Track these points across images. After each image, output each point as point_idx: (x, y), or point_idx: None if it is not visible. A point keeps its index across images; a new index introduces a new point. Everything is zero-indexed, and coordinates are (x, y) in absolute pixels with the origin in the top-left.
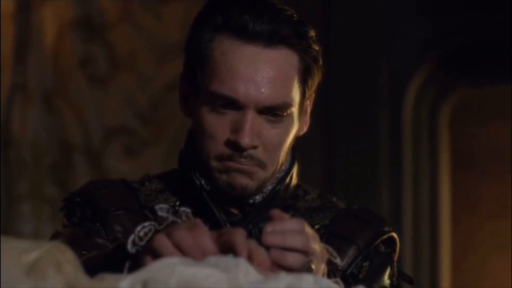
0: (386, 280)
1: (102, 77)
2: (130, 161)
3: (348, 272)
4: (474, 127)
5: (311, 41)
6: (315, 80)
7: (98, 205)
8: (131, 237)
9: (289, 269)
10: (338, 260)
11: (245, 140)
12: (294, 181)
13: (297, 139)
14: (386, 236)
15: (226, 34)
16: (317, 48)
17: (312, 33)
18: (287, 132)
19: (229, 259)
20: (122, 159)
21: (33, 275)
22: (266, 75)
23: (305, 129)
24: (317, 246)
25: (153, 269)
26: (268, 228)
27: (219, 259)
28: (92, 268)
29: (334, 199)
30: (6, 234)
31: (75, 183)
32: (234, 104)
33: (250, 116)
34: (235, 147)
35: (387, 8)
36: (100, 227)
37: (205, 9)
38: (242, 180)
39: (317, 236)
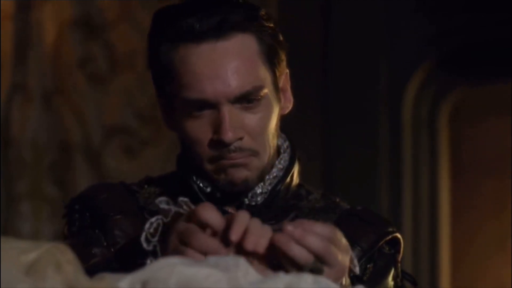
0: (390, 282)
1: (102, 77)
2: (130, 161)
3: (352, 274)
4: (474, 126)
5: (262, 20)
6: (281, 56)
7: (98, 210)
8: (143, 236)
9: (289, 260)
10: (356, 269)
11: (228, 135)
12: (296, 180)
13: (297, 137)
14: (390, 236)
15: (179, 42)
16: (271, 25)
17: (262, 12)
18: (268, 115)
19: (229, 259)
20: (122, 158)
21: (33, 275)
22: (228, 66)
23: (289, 106)
24: (340, 258)
25: (153, 269)
26: (297, 222)
27: (219, 259)
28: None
29: (337, 200)
30: (6, 234)
31: (75, 183)
32: (207, 105)
33: (226, 111)
34: (221, 145)
35: (387, 8)
36: (100, 233)
37: (152, 24)
38: (240, 174)
39: (349, 249)
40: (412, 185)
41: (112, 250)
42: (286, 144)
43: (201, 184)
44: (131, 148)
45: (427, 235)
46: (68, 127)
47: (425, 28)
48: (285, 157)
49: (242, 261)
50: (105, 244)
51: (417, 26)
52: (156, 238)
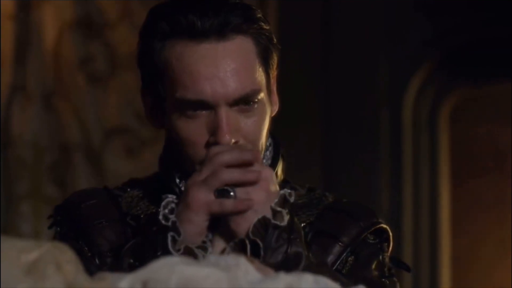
0: (373, 272)
1: (102, 77)
2: (130, 161)
3: (334, 268)
4: (474, 127)
5: (261, 22)
6: (275, 58)
7: (80, 219)
8: (160, 215)
9: None
10: (292, 198)
11: (226, 138)
12: (280, 177)
13: (297, 137)
14: (373, 228)
15: (177, 39)
16: (267, 27)
17: (259, 14)
18: (262, 118)
19: (229, 259)
20: (122, 158)
21: (33, 275)
22: (227, 68)
23: (276, 108)
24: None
25: (153, 268)
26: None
27: (219, 259)
28: None
29: (321, 194)
30: (6, 234)
31: (75, 183)
32: (204, 106)
33: (224, 113)
34: None
35: (387, 8)
36: (83, 243)
37: (148, 20)
38: None
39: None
40: (412, 185)
41: (96, 260)
42: (268, 141)
43: (183, 188)
44: (131, 148)
45: (427, 236)
46: (68, 127)
47: (425, 28)
48: (267, 155)
49: (242, 261)
50: (89, 254)
51: (417, 26)
52: (174, 215)
